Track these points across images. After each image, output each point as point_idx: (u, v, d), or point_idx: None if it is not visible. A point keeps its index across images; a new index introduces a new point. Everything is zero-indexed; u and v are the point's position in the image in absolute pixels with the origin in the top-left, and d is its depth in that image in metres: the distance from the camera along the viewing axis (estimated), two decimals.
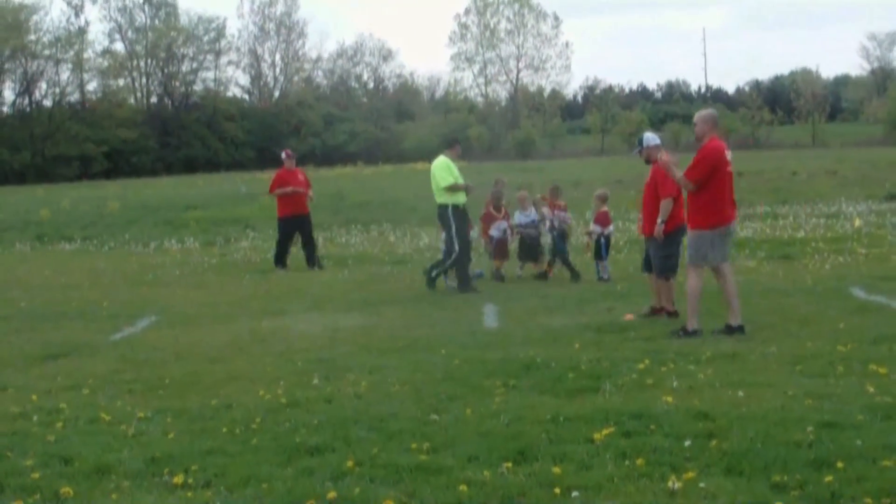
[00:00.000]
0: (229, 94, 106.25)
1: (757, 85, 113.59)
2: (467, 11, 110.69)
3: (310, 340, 13.00)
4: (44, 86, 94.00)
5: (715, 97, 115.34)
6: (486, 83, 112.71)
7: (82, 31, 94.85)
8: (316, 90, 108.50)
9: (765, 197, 36.66)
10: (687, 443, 6.99)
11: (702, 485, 6.12)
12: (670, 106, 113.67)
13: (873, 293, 14.99)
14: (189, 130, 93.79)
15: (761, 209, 32.55)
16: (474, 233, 18.95)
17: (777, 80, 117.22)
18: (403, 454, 7.12)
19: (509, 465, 6.72)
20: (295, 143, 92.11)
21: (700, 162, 12.13)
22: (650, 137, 14.48)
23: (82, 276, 22.91)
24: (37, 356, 12.57)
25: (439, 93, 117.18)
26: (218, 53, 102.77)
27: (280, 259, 23.18)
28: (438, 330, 13.45)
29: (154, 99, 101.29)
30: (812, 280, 16.84)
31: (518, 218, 19.36)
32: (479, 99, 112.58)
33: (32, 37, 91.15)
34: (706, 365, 9.99)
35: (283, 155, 24.41)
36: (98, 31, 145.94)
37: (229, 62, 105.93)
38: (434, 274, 17.95)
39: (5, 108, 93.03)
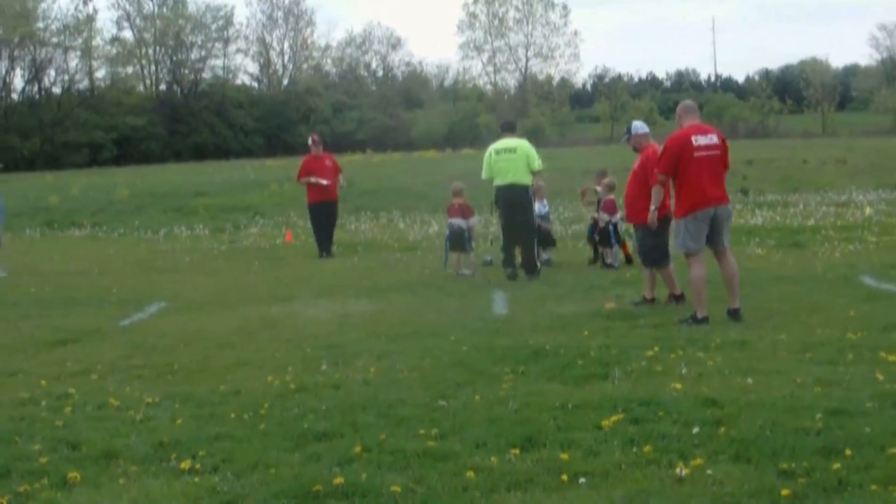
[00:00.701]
0: (238, 81, 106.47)
1: (766, 74, 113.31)
2: (476, 0, 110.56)
3: (318, 327, 13.00)
4: (52, 73, 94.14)
5: (725, 86, 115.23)
6: (495, 72, 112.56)
7: (90, 19, 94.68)
8: (325, 78, 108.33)
9: (775, 185, 36.64)
10: (695, 430, 6.96)
11: (709, 472, 6.09)
12: (679, 95, 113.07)
13: (884, 281, 14.95)
14: (198, 118, 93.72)
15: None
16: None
17: (787, 69, 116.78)
18: (411, 440, 7.10)
19: (517, 451, 6.70)
20: (304, 131, 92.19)
21: (662, 153, 12.33)
22: (638, 126, 14.49)
23: (92, 263, 22.96)
24: (46, 342, 12.59)
25: (448, 81, 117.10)
26: (226, 41, 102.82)
27: (322, 247, 22.97)
28: (447, 316, 13.45)
29: (163, 86, 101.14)
30: (822, 268, 16.80)
31: (537, 209, 19.22)
32: (488, 87, 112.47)
33: (41, 24, 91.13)
34: (715, 352, 9.96)
35: (310, 141, 23.91)
36: (106, 19, 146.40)
37: (238, 50, 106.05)
38: (539, 261, 17.84)
39: (15, 96, 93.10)
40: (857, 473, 5.94)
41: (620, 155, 43.40)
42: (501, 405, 8.00)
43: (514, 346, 10.68)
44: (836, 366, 9.07)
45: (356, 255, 22.93)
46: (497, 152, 17.18)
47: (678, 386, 8.30)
